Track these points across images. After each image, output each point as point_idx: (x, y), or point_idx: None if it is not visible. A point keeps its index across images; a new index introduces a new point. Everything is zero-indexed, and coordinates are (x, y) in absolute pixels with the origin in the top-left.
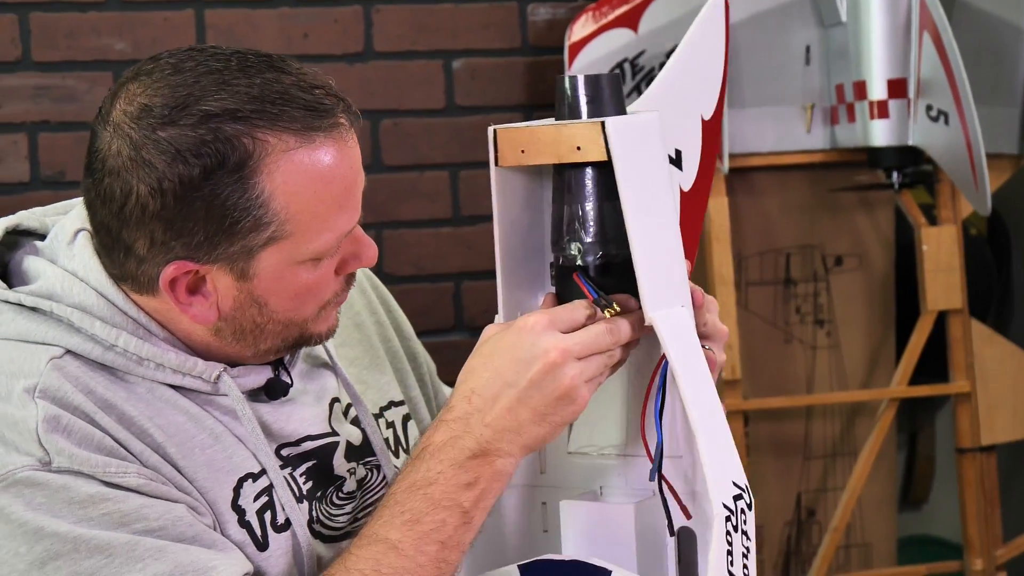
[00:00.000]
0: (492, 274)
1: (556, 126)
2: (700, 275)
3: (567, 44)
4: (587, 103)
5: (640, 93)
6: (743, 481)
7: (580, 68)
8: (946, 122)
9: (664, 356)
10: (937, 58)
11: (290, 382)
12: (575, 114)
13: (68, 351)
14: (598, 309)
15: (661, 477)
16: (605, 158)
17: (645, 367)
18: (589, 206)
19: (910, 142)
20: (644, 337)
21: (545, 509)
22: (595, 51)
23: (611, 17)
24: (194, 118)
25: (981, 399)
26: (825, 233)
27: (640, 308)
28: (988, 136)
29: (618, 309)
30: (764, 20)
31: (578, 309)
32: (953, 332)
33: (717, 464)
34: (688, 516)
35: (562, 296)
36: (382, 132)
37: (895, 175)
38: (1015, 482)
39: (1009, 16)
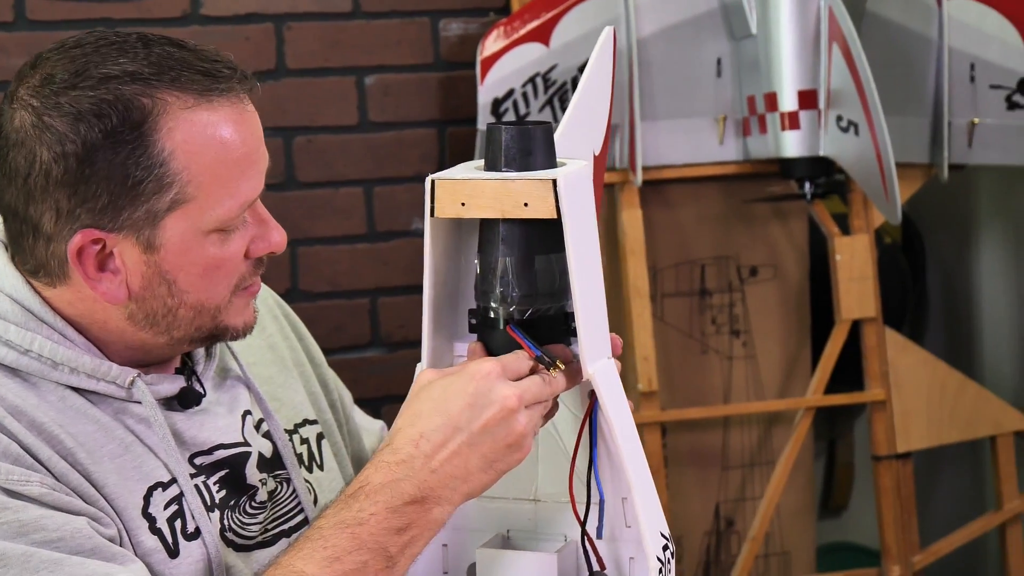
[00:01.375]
0: (407, 289)
1: (503, 181)
2: (615, 288)
3: (479, 59)
4: (523, 155)
5: (552, 108)
6: (667, 531)
7: (493, 83)
8: (856, 132)
9: (590, 408)
10: (847, 69)
11: (203, 392)
12: (510, 165)
13: None
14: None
15: (584, 529)
16: (554, 215)
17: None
18: (522, 260)
19: (821, 152)
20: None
21: (446, 551)
22: (507, 66)
23: (523, 32)
24: (93, 80)
25: (896, 407)
26: (739, 244)
27: (572, 359)
28: (899, 146)
29: (562, 367)
30: (675, 33)
31: (522, 359)
32: (868, 340)
33: (648, 516)
34: (602, 566)
35: (491, 346)
36: (296, 149)
37: (807, 185)
38: (931, 489)
39: (918, 27)
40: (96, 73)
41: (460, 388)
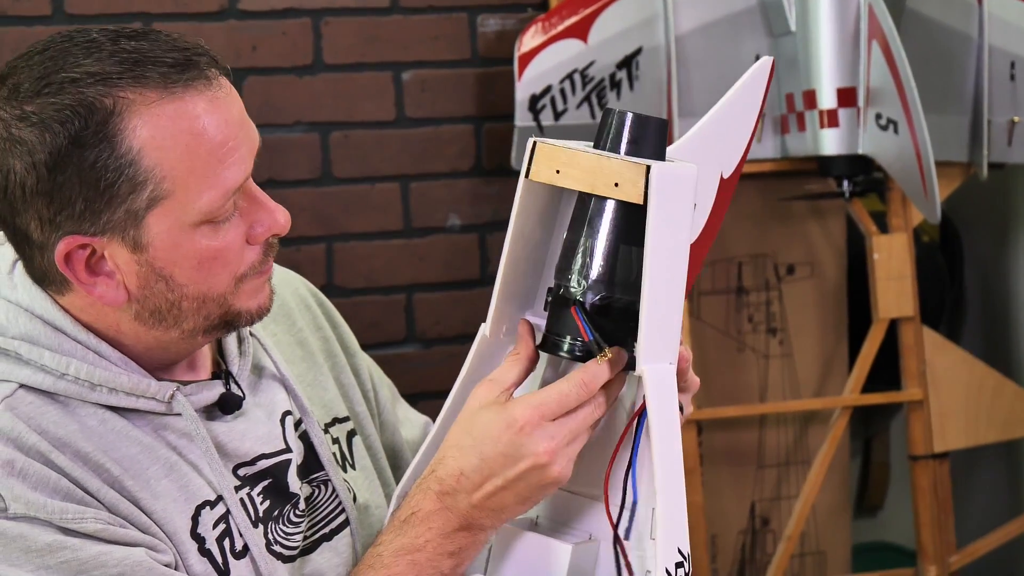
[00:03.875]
0: (443, 286)
1: (599, 156)
2: None
3: (517, 55)
4: (629, 142)
5: (590, 104)
6: (687, 549)
7: (530, 79)
8: (895, 131)
9: (640, 410)
10: (886, 67)
11: (242, 395)
12: (615, 149)
13: (20, 385)
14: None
15: (618, 536)
16: (640, 201)
17: (612, 413)
18: (606, 244)
19: (860, 151)
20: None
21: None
22: (545, 62)
23: (560, 28)
24: (56, 86)
25: (934, 406)
26: (777, 242)
27: (625, 367)
28: (938, 144)
29: (610, 356)
30: (714, 30)
31: (568, 397)
32: (905, 340)
33: (669, 530)
34: (631, 572)
35: (552, 324)
36: (332, 144)
37: (845, 184)
38: (968, 489)
39: (958, 25)
40: (58, 78)
41: (496, 435)
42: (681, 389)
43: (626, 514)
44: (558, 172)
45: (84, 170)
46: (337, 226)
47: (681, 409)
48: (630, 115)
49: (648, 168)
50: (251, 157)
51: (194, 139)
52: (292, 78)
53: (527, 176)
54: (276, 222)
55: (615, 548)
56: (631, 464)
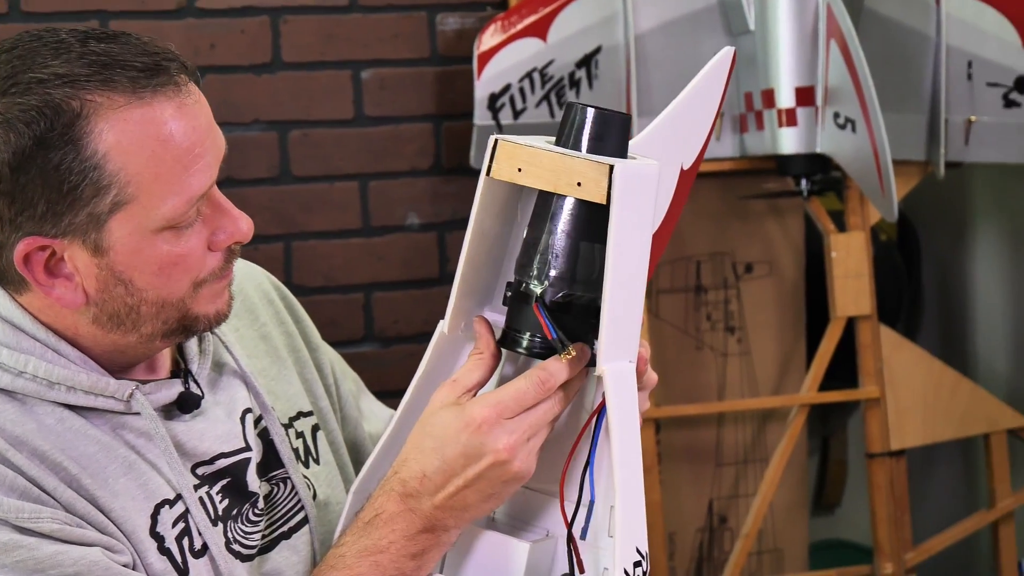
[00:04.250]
0: (401, 284)
1: (562, 156)
2: None
3: (476, 54)
4: (592, 138)
5: (549, 103)
6: (645, 548)
7: (489, 78)
8: (853, 129)
9: (599, 408)
10: (844, 66)
11: (201, 394)
12: (577, 145)
13: None
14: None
15: (571, 530)
16: (604, 201)
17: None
18: (567, 241)
19: (818, 149)
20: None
21: None
22: (504, 61)
23: (520, 27)
24: (23, 86)
25: (891, 404)
26: (735, 240)
27: (587, 364)
28: (896, 143)
29: (573, 354)
30: (673, 29)
31: (527, 395)
32: (862, 338)
33: (627, 528)
34: (582, 569)
35: (512, 320)
36: (291, 142)
37: (804, 182)
38: (925, 486)
39: (916, 24)
40: (25, 78)
41: (455, 435)
42: (639, 386)
43: (583, 512)
44: (520, 170)
45: (48, 172)
46: (296, 225)
47: None
48: (593, 111)
49: (611, 168)
50: (217, 164)
51: (160, 145)
52: (250, 76)
53: (488, 174)
54: (239, 230)
55: (568, 546)
56: (589, 462)
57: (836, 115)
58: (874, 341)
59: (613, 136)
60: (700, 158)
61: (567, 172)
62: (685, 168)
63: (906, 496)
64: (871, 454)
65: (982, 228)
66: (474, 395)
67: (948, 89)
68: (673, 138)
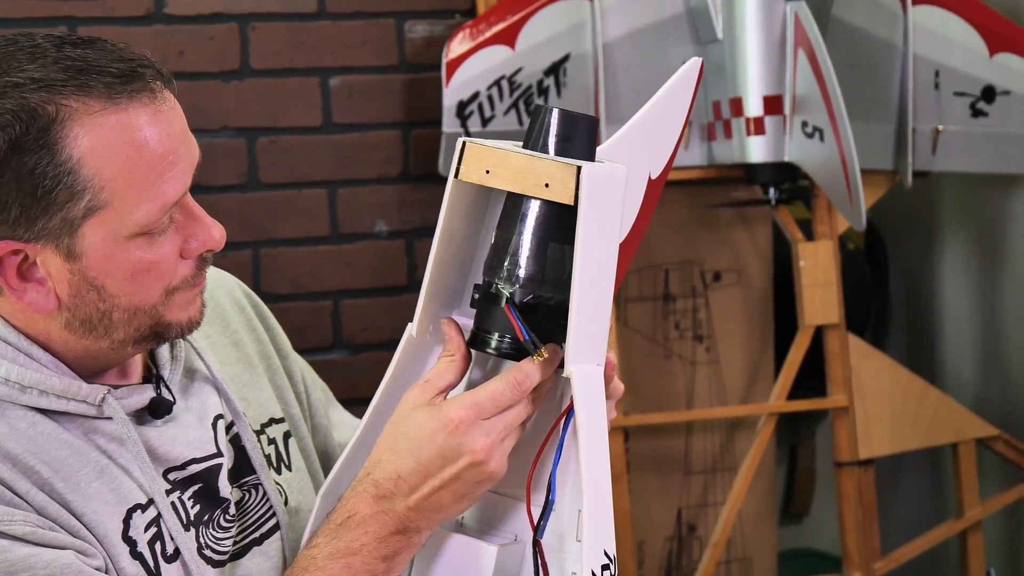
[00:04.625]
0: (370, 292)
1: (529, 157)
2: None
3: (445, 61)
4: (559, 140)
5: (517, 110)
6: (613, 551)
7: (458, 85)
8: (821, 138)
9: (567, 411)
10: (812, 75)
11: (173, 399)
12: (544, 147)
13: None
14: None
15: (536, 533)
16: (571, 202)
17: (541, 416)
18: (536, 242)
19: (786, 158)
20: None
21: None
22: (473, 68)
23: (488, 34)
24: None
25: (859, 413)
26: (703, 249)
27: (557, 365)
28: (863, 152)
29: (545, 355)
30: (641, 37)
31: (503, 396)
32: (830, 346)
33: (595, 531)
34: (547, 573)
35: (481, 320)
36: (259, 149)
37: (772, 191)
38: (893, 495)
39: (883, 33)
40: (1, 82)
41: (432, 436)
42: (606, 394)
43: (549, 514)
44: (488, 172)
45: (22, 176)
46: (264, 232)
47: None
48: (559, 112)
49: (579, 169)
50: (191, 171)
51: (135, 151)
52: (219, 83)
53: (456, 176)
54: (211, 238)
55: (533, 549)
56: (554, 463)
57: (804, 124)
58: (842, 350)
59: (580, 138)
60: (668, 168)
61: (535, 173)
62: (653, 177)
63: (874, 505)
64: (839, 463)
65: (949, 237)
66: (446, 397)
67: (915, 98)
68: (641, 146)
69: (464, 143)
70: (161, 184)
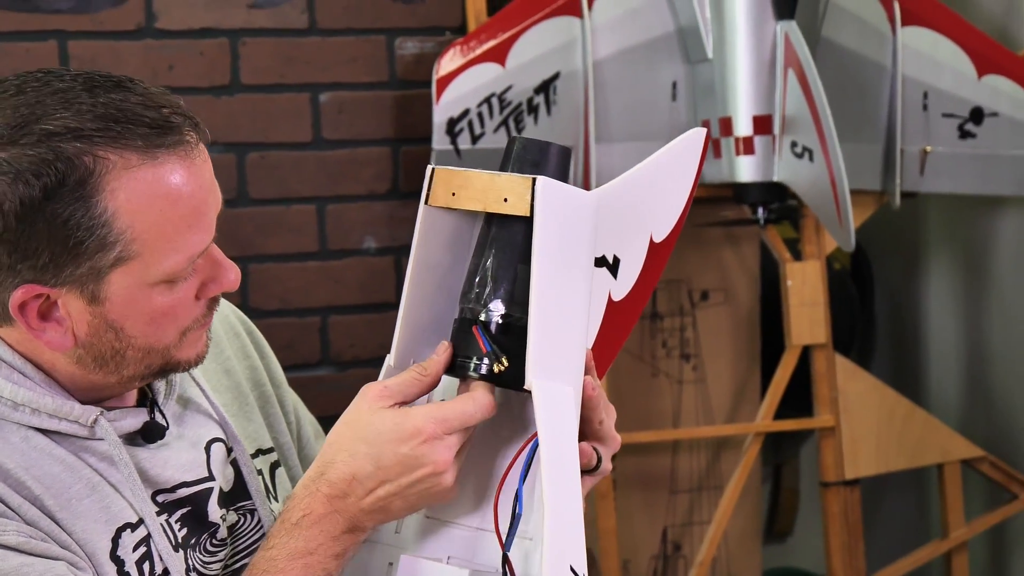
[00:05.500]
0: (358, 308)
1: (490, 175)
2: None
3: (435, 78)
4: (530, 165)
5: (507, 128)
6: (582, 571)
7: (448, 103)
8: (811, 159)
9: (536, 434)
10: (802, 95)
11: (166, 424)
12: (513, 172)
13: None
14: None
15: (505, 556)
16: (527, 213)
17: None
18: (505, 264)
19: (775, 178)
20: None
21: (391, 570)
22: (463, 85)
23: (479, 52)
24: (34, 137)
25: (845, 433)
26: (691, 268)
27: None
28: (852, 173)
29: (506, 365)
30: (631, 56)
31: (472, 418)
32: (817, 366)
33: (559, 547)
34: None
35: (457, 345)
36: (249, 165)
37: (760, 211)
38: (879, 515)
39: (872, 54)
40: (37, 129)
41: (394, 444)
42: (596, 435)
43: (516, 527)
44: (454, 195)
45: (55, 225)
46: (252, 247)
47: (599, 462)
48: (528, 140)
49: (534, 181)
50: (215, 219)
51: (169, 205)
52: (209, 98)
53: (426, 202)
54: (229, 281)
55: (503, 568)
56: (521, 479)
57: (794, 144)
58: (829, 370)
59: (551, 165)
60: (674, 235)
61: (495, 190)
62: (656, 241)
63: (860, 525)
64: (825, 483)
65: (935, 258)
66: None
67: (904, 119)
68: (638, 204)
69: (432, 170)
70: (190, 236)
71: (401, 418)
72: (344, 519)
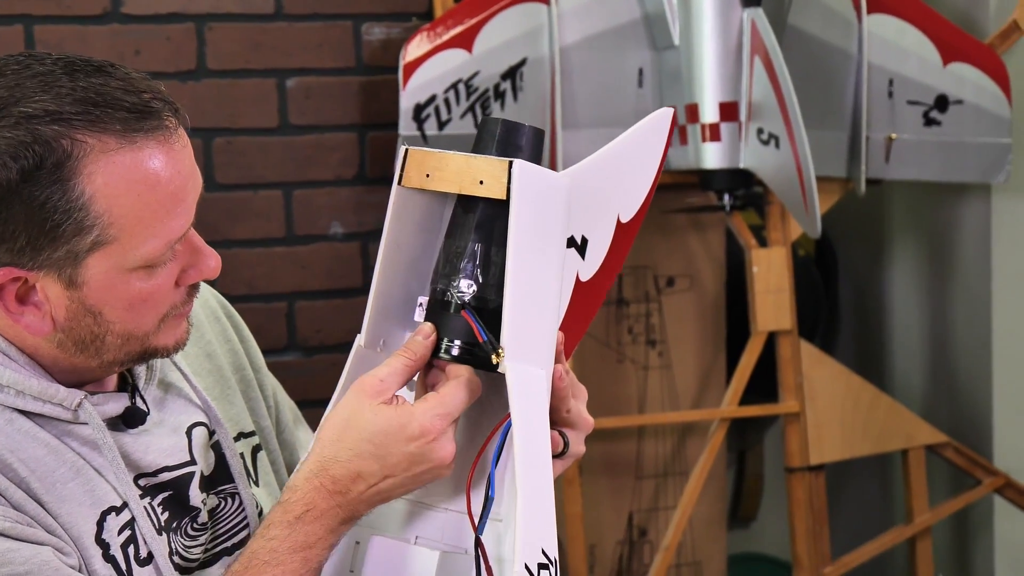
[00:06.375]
0: (325, 293)
1: (466, 156)
2: None
3: (402, 64)
4: (503, 146)
5: (474, 114)
6: (554, 554)
7: (415, 88)
8: (777, 145)
9: (507, 417)
10: (768, 82)
11: (147, 410)
12: (487, 153)
13: None
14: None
15: (478, 539)
16: (504, 196)
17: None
18: (480, 247)
19: (741, 165)
20: (493, 401)
21: (357, 549)
22: (430, 71)
23: (445, 38)
24: (12, 119)
25: (810, 418)
26: (657, 254)
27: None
28: (817, 160)
29: (503, 354)
30: (598, 42)
31: (465, 403)
32: (783, 352)
33: (531, 528)
34: (491, 574)
35: (437, 327)
36: (215, 150)
37: (726, 197)
38: (843, 500)
39: (838, 41)
40: (15, 111)
41: (402, 443)
42: (566, 422)
43: (489, 511)
44: (428, 176)
45: (32, 208)
46: (219, 233)
47: (566, 445)
48: (503, 122)
49: (511, 163)
50: (195, 205)
51: (147, 189)
52: (175, 83)
53: (399, 183)
54: (209, 268)
55: (476, 550)
56: (493, 464)
57: (760, 131)
58: (794, 356)
59: (525, 148)
60: (640, 215)
61: (470, 172)
62: (623, 221)
63: (825, 510)
64: (790, 468)
65: (900, 245)
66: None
67: (869, 106)
68: (605, 183)
69: (407, 150)
70: (169, 221)
71: (406, 418)
72: (344, 512)
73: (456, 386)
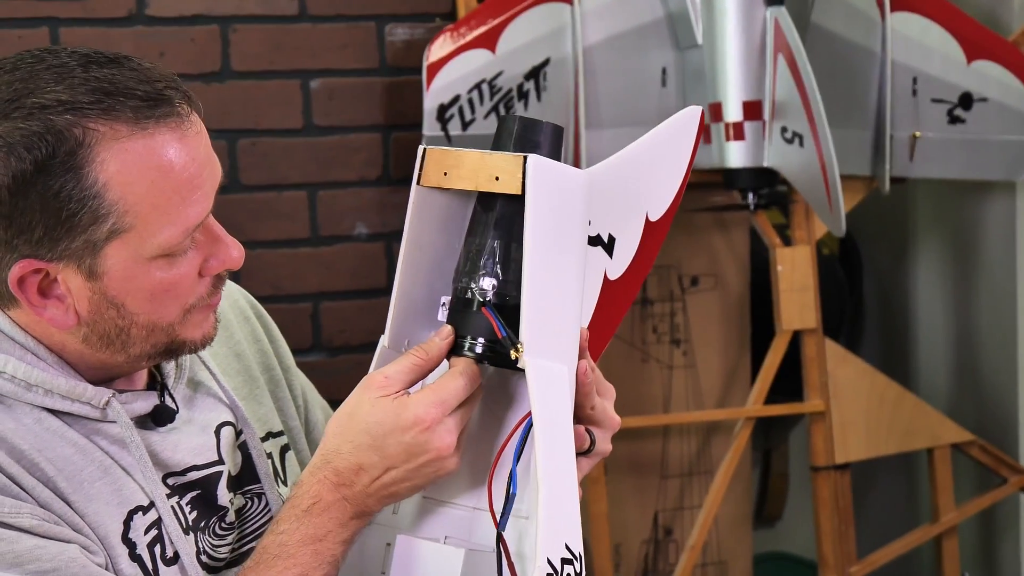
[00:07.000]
0: (349, 294)
1: (481, 154)
2: None
3: (425, 65)
4: (522, 143)
5: (497, 114)
6: (578, 549)
7: (438, 89)
8: (801, 144)
9: (530, 413)
10: (792, 81)
11: (176, 408)
12: (505, 150)
13: None
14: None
15: (499, 535)
16: (519, 191)
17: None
18: (500, 244)
19: (765, 164)
20: (518, 399)
21: (388, 551)
22: (453, 72)
23: (469, 38)
24: (25, 111)
25: (835, 417)
26: (681, 253)
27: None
28: (841, 158)
29: (523, 350)
30: (621, 42)
31: (464, 393)
32: (807, 351)
33: (553, 523)
34: (514, 573)
35: (460, 327)
36: (240, 151)
37: (750, 196)
38: (869, 499)
39: (862, 40)
40: (29, 103)
41: (398, 433)
42: (592, 420)
43: (511, 507)
44: (446, 175)
45: (47, 198)
46: (244, 233)
47: (592, 443)
48: (520, 119)
49: (525, 159)
50: (213, 193)
51: (161, 176)
52: (200, 85)
53: (418, 183)
54: (231, 257)
55: (497, 546)
56: (515, 460)
57: (784, 129)
58: (819, 355)
59: (543, 144)
60: (670, 214)
61: (486, 168)
62: (652, 219)
63: (850, 509)
64: (816, 467)
65: (924, 243)
66: (406, 393)
67: (893, 105)
68: (633, 181)
69: (424, 150)
70: (185, 208)
71: (400, 408)
72: (352, 505)
73: (451, 376)
